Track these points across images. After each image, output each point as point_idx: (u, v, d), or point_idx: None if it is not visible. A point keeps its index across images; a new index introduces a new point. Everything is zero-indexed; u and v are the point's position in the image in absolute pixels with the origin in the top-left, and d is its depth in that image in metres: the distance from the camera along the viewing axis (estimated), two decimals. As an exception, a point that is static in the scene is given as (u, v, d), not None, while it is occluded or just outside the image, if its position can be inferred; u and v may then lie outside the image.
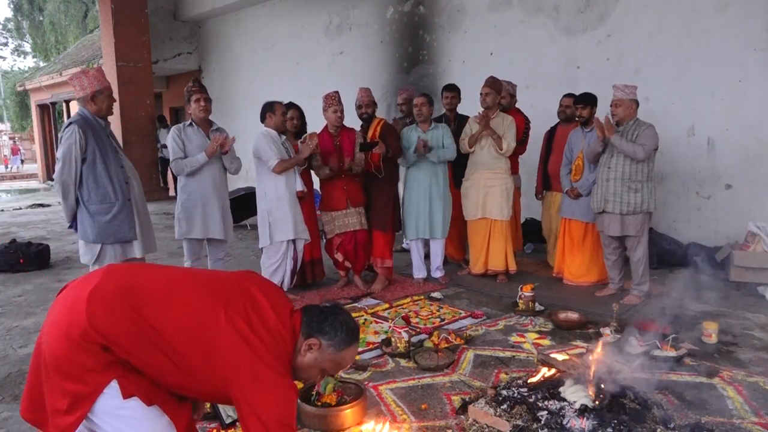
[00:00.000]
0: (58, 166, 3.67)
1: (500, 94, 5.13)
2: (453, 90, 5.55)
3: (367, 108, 5.05)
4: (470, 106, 5.51)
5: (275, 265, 4.62)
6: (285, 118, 4.69)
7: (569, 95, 5.22)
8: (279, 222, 4.52)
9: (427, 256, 5.35)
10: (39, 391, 1.74)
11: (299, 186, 4.61)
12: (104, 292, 1.72)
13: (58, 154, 3.67)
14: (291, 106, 4.98)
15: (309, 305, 1.95)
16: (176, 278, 1.88)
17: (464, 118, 5.36)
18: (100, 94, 3.72)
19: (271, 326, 1.80)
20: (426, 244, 5.31)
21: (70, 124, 3.67)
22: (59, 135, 3.76)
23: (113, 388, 1.67)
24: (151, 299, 1.73)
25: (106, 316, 1.68)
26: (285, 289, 4.76)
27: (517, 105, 5.60)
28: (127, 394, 1.67)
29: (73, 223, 3.82)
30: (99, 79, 3.73)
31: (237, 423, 2.60)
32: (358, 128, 5.08)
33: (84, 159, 3.65)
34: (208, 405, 2.70)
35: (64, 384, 1.66)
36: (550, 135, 5.47)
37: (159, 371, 1.73)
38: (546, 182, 5.50)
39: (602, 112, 4.62)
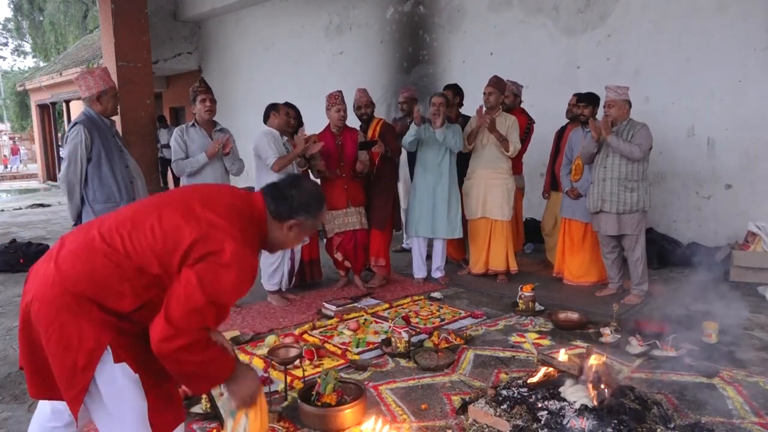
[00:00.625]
0: (63, 166, 3.70)
1: (503, 94, 5.13)
2: (448, 89, 5.53)
3: (366, 108, 5.06)
4: (471, 106, 5.51)
5: (274, 265, 4.62)
6: (289, 119, 4.69)
7: (577, 95, 5.20)
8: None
9: (428, 257, 5.35)
10: (35, 367, 1.78)
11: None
12: (69, 245, 1.80)
13: (64, 153, 3.70)
14: (287, 105, 4.98)
15: (266, 186, 1.99)
16: (143, 203, 1.98)
17: (466, 119, 5.36)
18: (105, 94, 3.76)
19: (229, 203, 1.88)
20: (428, 244, 5.31)
21: (75, 123, 3.70)
22: (65, 135, 3.79)
23: (108, 355, 1.70)
24: (118, 228, 1.79)
25: (74, 259, 1.74)
26: (284, 290, 4.77)
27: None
28: (117, 359, 1.71)
29: (78, 222, 3.82)
30: (104, 79, 3.77)
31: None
32: (358, 128, 5.09)
33: (89, 159, 3.67)
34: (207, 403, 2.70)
35: (63, 356, 1.69)
36: (559, 135, 5.45)
37: (140, 302, 1.75)
38: (554, 182, 5.47)
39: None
